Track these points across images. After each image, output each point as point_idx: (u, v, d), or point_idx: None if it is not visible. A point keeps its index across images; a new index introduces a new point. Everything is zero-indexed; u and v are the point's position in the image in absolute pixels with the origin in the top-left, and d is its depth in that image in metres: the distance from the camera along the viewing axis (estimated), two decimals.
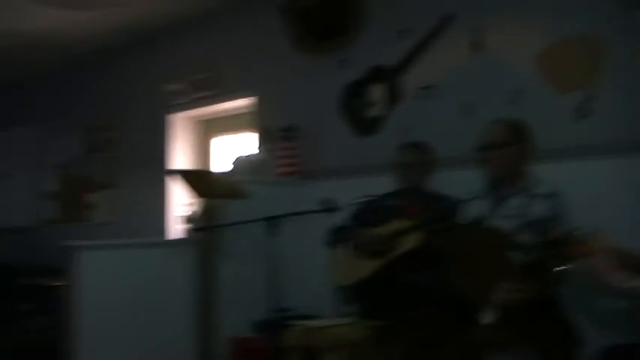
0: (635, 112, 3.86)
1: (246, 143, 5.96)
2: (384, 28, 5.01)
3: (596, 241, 2.08)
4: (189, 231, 4.83)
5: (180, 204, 6.10)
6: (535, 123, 3.90)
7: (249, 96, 5.87)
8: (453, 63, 4.64)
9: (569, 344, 3.07)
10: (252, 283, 4.46)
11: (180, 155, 6.63)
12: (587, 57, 4.08)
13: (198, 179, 4.61)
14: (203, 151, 6.68)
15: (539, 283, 3.01)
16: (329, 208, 3.98)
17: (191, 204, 4.83)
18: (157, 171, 6.50)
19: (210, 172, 5.67)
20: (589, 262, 2.09)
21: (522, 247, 3.06)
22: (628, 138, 3.86)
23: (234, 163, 5.17)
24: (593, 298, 2.65)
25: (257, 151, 5.55)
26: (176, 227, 6.09)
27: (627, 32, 3.92)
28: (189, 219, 4.82)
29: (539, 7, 4.27)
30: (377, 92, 5.04)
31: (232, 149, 6.17)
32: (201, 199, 4.65)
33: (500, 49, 4.43)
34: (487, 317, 3.10)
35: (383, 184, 4.33)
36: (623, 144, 3.87)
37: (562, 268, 2.24)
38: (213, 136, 6.66)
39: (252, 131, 5.81)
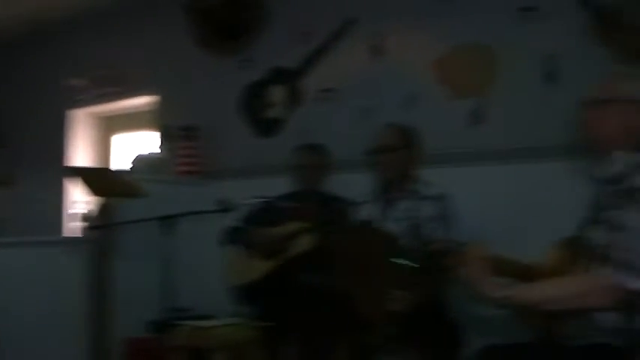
0: (525, 120, 4.00)
1: (147, 141, 5.89)
2: (286, 30, 5.04)
3: (470, 251, 2.16)
4: (85, 229, 4.74)
5: (77, 201, 5.99)
6: (430, 128, 4.03)
7: (151, 94, 5.81)
8: (352, 67, 4.71)
9: (452, 345, 3.15)
10: (147, 282, 4.40)
11: (80, 152, 6.50)
12: (481, 64, 4.21)
13: (96, 177, 4.53)
14: (104, 149, 6.57)
15: (424, 288, 3.08)
16: (225, 208, 3.97)
17: (88, 202, 4.75)
18: (56, 168, 6.35)
19: (108, 170, 5.58)
20: (464, 272, 2.17)
21: (409, 251, 3.12)
22: (519, 145, 4.01)
23: (132, 161, 5.10)
24: (473, 303, 2.73)
25: (157, 149, 5.49)
26: (73, 225, 5.97)
27: (520, 41, 4.06)
28: (86, 217, 4.73)
29: (437, 14, 4.37)
30: (278, 94, 5.07)
31: (133, 147, 6.09)
32: (98, 197, 4.58)
33: (398, 55, 4.53)
34: (377, 319, 3.16)
35: (282, 185, 4.36)
36: (513, 150, 4.01)
37: (443, 277, 2.30)
38: (115, 134, 6.55)
39: (154, 130, 5.75)
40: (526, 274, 2.56)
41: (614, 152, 2.31)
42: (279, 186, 4.37)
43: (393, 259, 3.03)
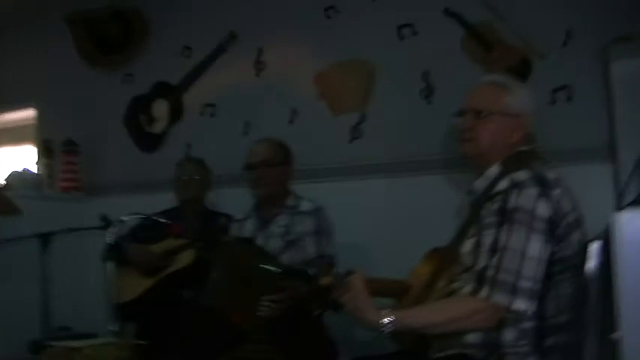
0: (403, 134, 4.08)
1: (29, 156, 5.72)
2: (168, 44, 5.00)
3: (352, 281, 2.15)
4: None
5: None
6: (311, 143, 4.07)
7: (29, 107, 5.65)
8: (234, 82, 4.72)
9: (326, 356, 3.17)
10: (26, 301, 4.28)
11: None
12: (361, 79, 4.27)
13: None
14: None
15: (290, 292, 3.09)
16: (105, 225, 3.88)
17: None
18: None
19: None
20: (347, 301, 2.16)
21: (281, 267, 3.14)
22: (396, 159, 4.09)
23: (7, 178, 4.94)
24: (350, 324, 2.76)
25: (35, 164, 5.33)
26: None
27: (398, 57, 4.15)
28: None
29: (318, 29, 4.43)
30: (161, 108, 5.01)
31: (12, 162, 5.89)
32: None
33: (279, 69, 4.56)
34: (253, 331, 3.15)
35: (165, 201, 4.30)
36: (391, 165, 4.10)
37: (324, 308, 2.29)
38: None
39: (34, 144, 5.58)
40: (397, 290, 2.61)
41: (489, 166, 2.34)
42: (162, 201, 4.30)
43: (260, 266, 3.06)
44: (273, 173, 3.61)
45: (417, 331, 2.23)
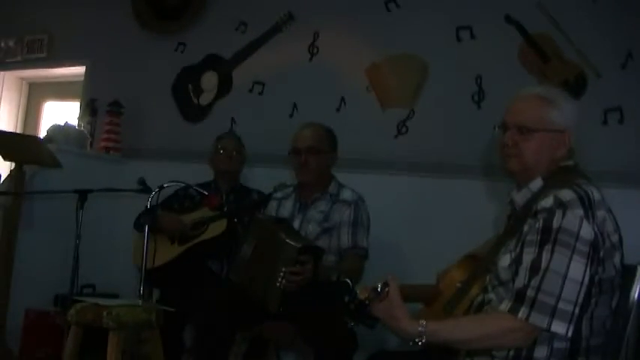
0: (449, 135, 4.07)
1: (73, 113, 5.76)
2: (224, 18, 5.00)
3: (388, 291, 2.13)
4: None
5: None
6: (356, 133, 4.06)
7: (80, 64, 5.68)
8: (286, 62, 4.71)
9: (345, 345, 3.16)
10: (56, 256, 4.35)
11: (5, 115, 6.31)
12: (413, 76, 4.25)
13: (9, 142, 4.41)
14: (34, 115, 6.38)
15: (310, 266, 3.12)
16: (143, 189, 3.91)
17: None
18: None
19: (23, 136, 5.45)
20: (380, 310, 2.12)
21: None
22: (439, 159, 4.10)
23: (48, 130, 4.98)
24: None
25: (77, 121, 5.37)
26: None
27: (453, 57, 4.15)
28: None
29: (375, 21, 4.41)
30: (210, 80, 5.03)
31: (56, 117, 5.94)
32: (12, 162, 4.47)
33: (332, 56, 4.54)
34: (272, 306, 3.16)
35: (202, 172, 4.35)
36: (433, 165, 4.11)
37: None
38: (46, 101, 6.36)
39: (80, 101, 5.63)
40: (430, 295, 2.61)
41: (531, 180, 2.31)
42: (199, 172, 4.36)
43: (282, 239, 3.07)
44: (318, 160, 3.60)
45: (452, 345, 2.19)
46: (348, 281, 2.14)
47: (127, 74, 5.38)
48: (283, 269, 3.13)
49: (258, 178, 4.39)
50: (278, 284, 3.13)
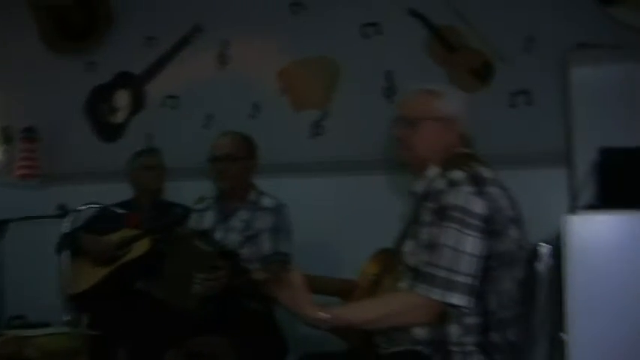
0: (363, 133, 4.10)
1: None
2: (132, 34, 4.91)
3: (289, 276, 2.16)
4: None
5: None
6: (272, 138, 4.06)
7: None
8: (198, 74, 4.68)
9: (276, 352, 3.17)
10: None
11: None
12: (324, 77, 4.28)
13: None
14: None
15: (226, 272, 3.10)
16: (62, 214, 3.84)
17: None
18: None
19: None
20: (283, 296, 2.18)
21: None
22: (355, 158, 4.14)
23: None
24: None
25: None
26: None
27: (362, 56, 4.18)
28: None
29: (283, 25, 4.43)
30: (122, 98, 4.97)
31: None
32: None
33: (243, 64, 4.54)
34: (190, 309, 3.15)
35: (124, 191, 4.28)
36: (349, 163, 4.14)
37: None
38: None
39: None
40: (344, 289, 2.63)
41: (427, 169, 2.37)
42: (121, 191, 4.28)
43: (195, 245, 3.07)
44: (236, 167, 3.58)
45: (356, 327, 2.25)
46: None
47: (39, 98, 5.25)
48: (198, 275, 3.11)
49: (180, 192, 4.35)
50: (193, 290, 3.12)
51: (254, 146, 3.71)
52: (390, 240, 2.58)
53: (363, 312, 2.23)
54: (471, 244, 2.10)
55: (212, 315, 3.18)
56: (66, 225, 3.63)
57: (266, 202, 3.61)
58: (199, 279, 3.10)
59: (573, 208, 2.46)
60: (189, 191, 4.14)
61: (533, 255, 2.27)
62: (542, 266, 2.23)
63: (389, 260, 2.48)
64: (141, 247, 3.80)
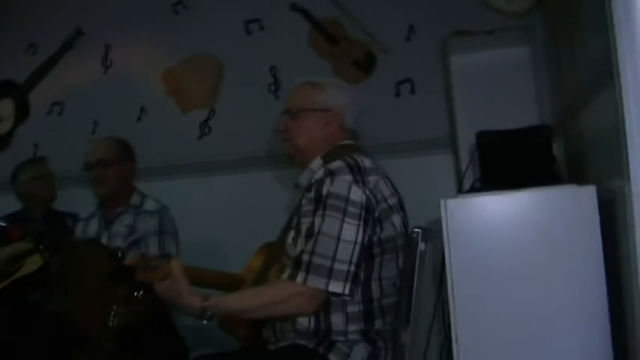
0: (250, 130, 4.11)
1: None
2: (12, 41, 4.78)
3: (169, 267, 2.15)
4: None
5: None
6: (161, 140, 4.02)
7: None
8: (82, 79, 4.59)
9: (177, 355, 3.15)
10: None
11: None
12: (209, 76, 4.26)
13: None
14: None
15: (142, 304, 3.05)
16: None
17: None
18: None
19: None
20: (162, 287, 2.17)
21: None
22: (241, 155, 4.15)
23: None
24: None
25: None
26: None
27: (246, 52, 4.19)
28: None
29: (165, 25, 4.40)
30: (6, 108, 4.83)
31: None
32: None
33: (127, 67, 4.49)
34: (103, 340, 3.09)
35: (14, 202, 4.16)
36: (237, 160, 4.14)
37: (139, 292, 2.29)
38: None
39: None
40: (230, 282, 2.63)
41: (310, 161, 2.40)
42: (10, 203, 4.17)
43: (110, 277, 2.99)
44: (111, 172, 3.52)
45: (238, 316, 2.28)
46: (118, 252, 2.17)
47: None
48: (115, 308, 3.05)
49: (70, 200, 4.25)
50: (110, 322, 3.06)
51: (129, 149, 3.65)
52: (276, 234, 2.59)
53: (243, 300, 2.24)
54: (351, 231, 2.12)
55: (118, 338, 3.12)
56: None
57: (149, 205, 3.56)
58: (116, 311, 3.04)
59: (458, 192, 2.51)
60: (80, 199, 4.06)
61: (414, 241, 2.30)
62: (420, 249, 2.25)
63: (274, 253, 2.49)
64: (34, 263, 3.69)
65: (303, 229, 2.20)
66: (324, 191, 2.17)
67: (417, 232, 2.26)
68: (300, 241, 2.19)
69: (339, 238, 2.11)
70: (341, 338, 2.20)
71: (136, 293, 2.29)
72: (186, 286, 2.16)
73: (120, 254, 2.24)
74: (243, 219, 4.03)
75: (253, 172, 4.07)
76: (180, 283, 2.15)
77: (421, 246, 2.26)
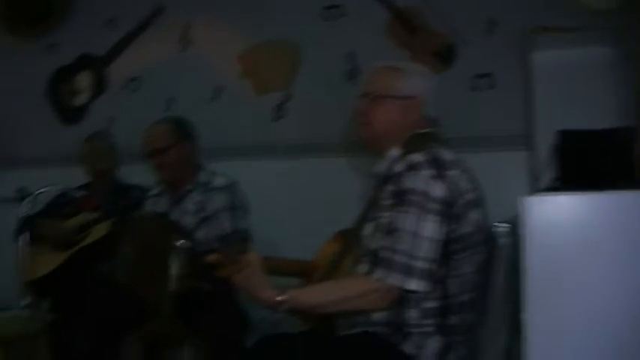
0: (325, 116, 4.09)
1: None
2: (94, 15, 4.86)
3: (245, 260, 2.14)
4: None
5: None
6: (235, 121, 4.02)
7: None
8: (160, 56, 4.64)
9: (237, 332, 3.15)
10: None
11: None
12: (286, 60, 4.26)
13: None
14: None
15: (198, 269, 3.06)
16: (21, 197, 3.80)
17: None
18: None
19: None
20: (240, 280, 2.15)
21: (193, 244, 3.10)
22: (316, 140, 4.13)
23: None
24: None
25: None
26: None
27: (324, 38, 4.18)
28: None
29: (244, 7, 4.38)
30: (84, 80, 4.91)
31: None
32: None
33: (205, 46, 4.51)
34: (163, 309, 3.12)
35: (84, 174, 4.23)
36: (311, 145, 4.13)
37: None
38: None
39: None
40: (302, 270, 2.62)
41: (388, 149, 2.34)
42: (82, 175, 4.24)
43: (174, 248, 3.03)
44: (169, 158, 3.50)
45: (312, 310, 2.24)
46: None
47: None
48: (174, 272, 3.08)
49: (142, 175, 4.29)
50: (169, 287, 3.09)
51: (185, 128, 3.62)
52: (349, 222, 2.57)
53: (319, 295, 2.21)
54: (431, 228, 2.08)
55: (180, 310, 3.14)
56: (24, 209, 3.59)
57: (218, 181, 3.54)
58: (175, 276, 3.07)
59: (534, 191, 2.46)
60: (149, 175, 4.11)
61: (492, 237, 2.26)
62: (500, 247, 2.21)
63: (348, 241, 2.45)
64: (99, 231, 3.76)
65: (382, 223, 2.16)
66: (404, 186, 2.13)
67: (499, 228, 2.23)
68: (379, 236, 2.16)
69: (418, 235, 2.07)
70: (415, 330, 2.17)
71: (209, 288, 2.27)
72: (263, 279, 2.14)
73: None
74: (313, 204, 4.02)
75: (326, 158, 4.05)
76: (257, 277, 2.13)
77: (501, 242, 2.23)
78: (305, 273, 2.61)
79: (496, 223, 2.26)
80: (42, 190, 3.59)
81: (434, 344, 2.17)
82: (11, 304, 4.31)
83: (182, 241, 3.00)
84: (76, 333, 3.66)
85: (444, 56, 3.93)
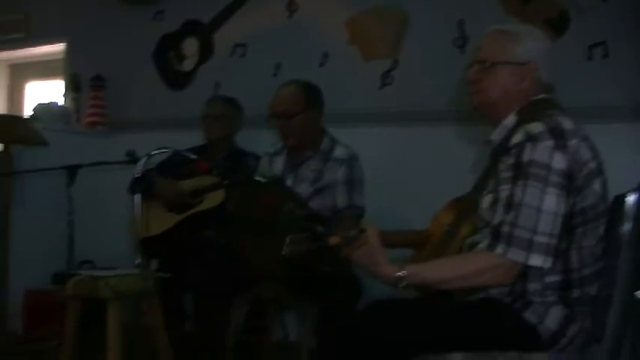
0: (433, 83, 4.06)
1: (57, 90, 5.72)
2: None
3: (365, 237, 2.09)
4: None
5: None
6: (340, 88, 4.02)
7: (59, 41, 5.61)
8: (266, 22, 4.67)
9: (348, 295, 3.17)
10: (50, 233, 4.31)
11: None
12: (393, 26, 4.23)
13: None
14: (17, 96, 6.31)
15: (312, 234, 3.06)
16: (131, 160, 3.88)
17: None
18: None
19: (7, 116, 5.39)
20: (359, 257, 2.12)
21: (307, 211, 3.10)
22: (425, 107, 4.08)
23: (34, 109, 4.95)
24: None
25: (62, 99, 5.34)
26: None
27: (432, 5, 4.14)
28: None
29: None
30: (191, 46, 4.99)
31: (40, 96, 5.89)
32: None
33: (312, 13, 4.51)
34: (273, 274, 3.14)
35: (191, 139, 4.29)
36: (420, 112, 4.09)
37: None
38: (28, 81, 6.30)
39: (62, 79, 5.58)
40: (419, 240, 2.60)
41: (503, 116, 2.30)
42: (188, 139, 4.29)
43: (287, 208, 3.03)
44: (296, 123, 3.44)
45: (433, 286, 2.20)
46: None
47: (107, 47, 5.31)
48: (288, 236, 3.09)
49: (253, 140, 4.35)
50: (283, 252, 3.10)
51: (315, 95, 3.55)
52: (459, 191, 2.55)
53: (440, 271, 2.17)
54: (553, 202, 2.02)
55: (293, 279, 3.16)
56: (139, 169, 3.66)
57: (338, 152, 3.48)
58: (289, 241, 3.08)
59: None
60: (258, 140, 4.15)
61: (615, 208, 2.19)
62: (626, 218, 2.13)
63: (464, 210, 2.43)
64: (215, 199, 3.78)
65: (502, 196, 2.11)
66: (525, 158, 2.06)
67: (627, 198, 2.16)
68: (499, 210, 2.11)
69: (540, 210, 2.02)
70: (538, 299, 2.14)
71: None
72: (383, 255, 2.11)
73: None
74: (423, 173, 4.00)
75: (434, 126, 4.02)
76: (377, 253, 2.10)
77: (630, 213, 2.16)
78: (419, 243, 2.60)
79: (623, 194, 2.19)
80: (156, 151, 3.63)
81: (556, 313, 2.14)
82: (119, 265, 4.46)
83: (296, 209, 3.02)
84: (185, 293, 3.76)
85: (557, 24, 3.83)
